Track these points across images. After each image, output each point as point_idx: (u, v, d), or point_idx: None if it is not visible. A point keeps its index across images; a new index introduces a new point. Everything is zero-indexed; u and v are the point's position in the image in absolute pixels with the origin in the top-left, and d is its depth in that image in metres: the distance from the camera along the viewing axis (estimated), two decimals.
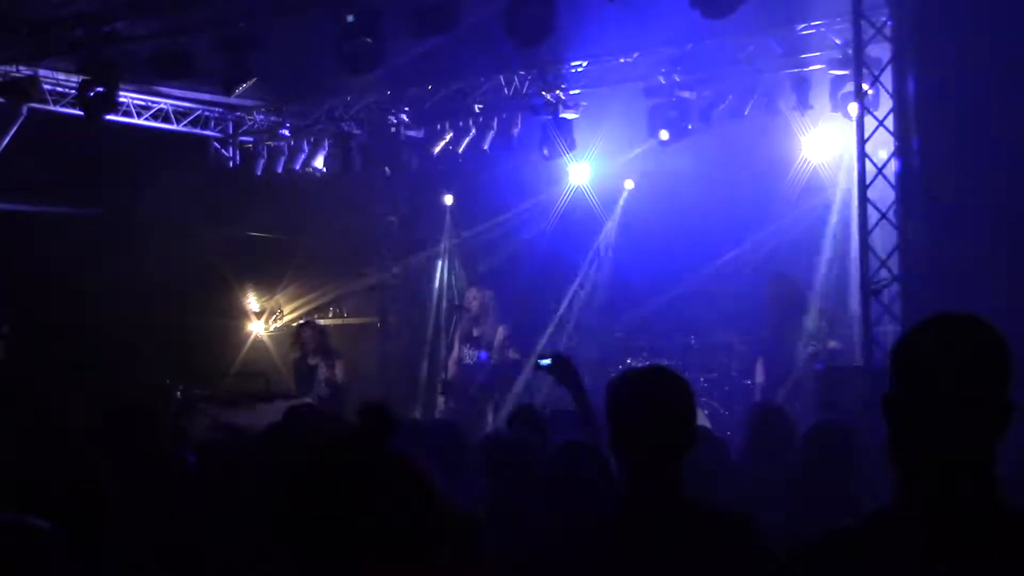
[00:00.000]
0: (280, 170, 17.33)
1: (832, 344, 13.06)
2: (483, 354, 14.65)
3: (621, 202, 17.01)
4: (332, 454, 2.55)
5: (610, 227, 17.13)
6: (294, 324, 16.78)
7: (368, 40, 12.50)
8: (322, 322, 16.53)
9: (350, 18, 12.48)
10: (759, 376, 13.81)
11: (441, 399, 14.89)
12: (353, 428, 2.60)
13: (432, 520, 2.54)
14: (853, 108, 11.29)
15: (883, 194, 10.65)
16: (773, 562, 3.92)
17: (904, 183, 10.38)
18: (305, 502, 2.50)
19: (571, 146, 15.53)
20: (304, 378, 15.02)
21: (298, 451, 2.67)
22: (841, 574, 3.04)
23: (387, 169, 17.16)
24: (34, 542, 3.37)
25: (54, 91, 14.85)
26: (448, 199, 18.13)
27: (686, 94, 14.57)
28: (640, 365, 14.21)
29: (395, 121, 16.86)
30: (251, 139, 17.65)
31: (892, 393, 3.03)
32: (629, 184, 16.87)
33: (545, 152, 15.77)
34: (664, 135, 14.72)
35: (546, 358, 7.62)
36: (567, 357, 7.54)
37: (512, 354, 14.80)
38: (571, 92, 15.45)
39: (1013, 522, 2.94)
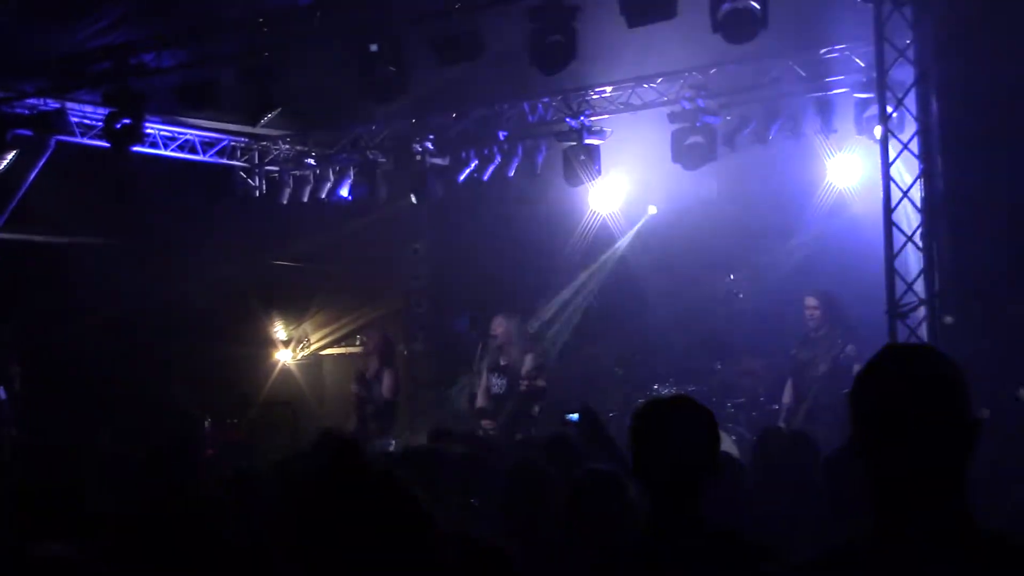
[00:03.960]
0: (306, 199, 17.38)
1: (849, 348, 13.05)
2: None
3: (638, 227, 16.97)
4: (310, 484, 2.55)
5: (620, 251, 17.12)
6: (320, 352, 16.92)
7: (392, 69, 12.55)
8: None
9: (374, 47, 12.54)
10: (787, 397, 13.81)
11: (486, 423, 14.79)
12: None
13: (425, 546, 2.53)
14: (877, 131, 11.24)
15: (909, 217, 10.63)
16: None
17: (929, 206, 10.35)
18: (297, 535, 2.51)
19: (596, 172, 15.53)
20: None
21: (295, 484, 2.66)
22: None
23: (413, 197, 17.16)
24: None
25: (81, 123, 14.95)
26: None
27: (710, 119, 14.55)
28: (666, 392, 14.22)
29: (420, 149, 16.88)
30: (277, 168, 17.71)
31: (857, 434, 3.11)
32: (652, 210, 16.85)
33: (569, 178, 15.79)
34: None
35: (573, 412, 7.67)
36: (591, 409, 7.57)
37: (540, 383, 14.71)
38: (595, 118, 15.48)
39: (986, 547, 2.97)
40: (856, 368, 12.76)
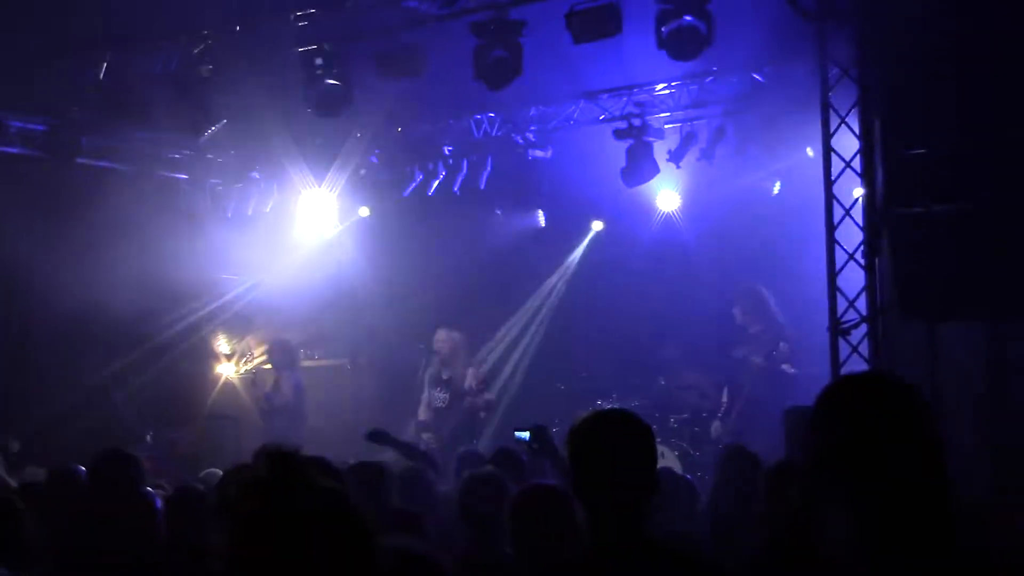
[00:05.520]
0: (250, 213, 17.31)
1: (782, 345, 13.27)
2: None
3: (586, 242, 17.06)
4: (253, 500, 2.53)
5: (570, 266, 17.19)
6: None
7: (336, 83, 12.54)
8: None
9: (318, 61, 12.52)
10: (724, 397, 14.01)
11: (426, 436, 14.76)
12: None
13: (371, 560, 2.52)
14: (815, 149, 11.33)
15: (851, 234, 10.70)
16: None
17: (871, 224, 10.42)
18: (236, 547, 2.49)
19: (541, 187, 15.59)
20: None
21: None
22: None
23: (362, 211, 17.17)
24: None
25: (22, 132, 14.77)
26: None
27: (655, 136, 14.61)
28: (607, 407, 14.25)
29: (365, 163, 16.85)
30: (220, 182, 17.61)
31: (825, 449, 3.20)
32: (597, 225, 16.92)
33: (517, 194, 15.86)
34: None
35: (524, 430, 7.69)
36: (544, 427, 7.59)
37: (488, 396, 14.72)
38: (540, 133, 15.52)
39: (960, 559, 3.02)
40: (786, 368, 13.08)
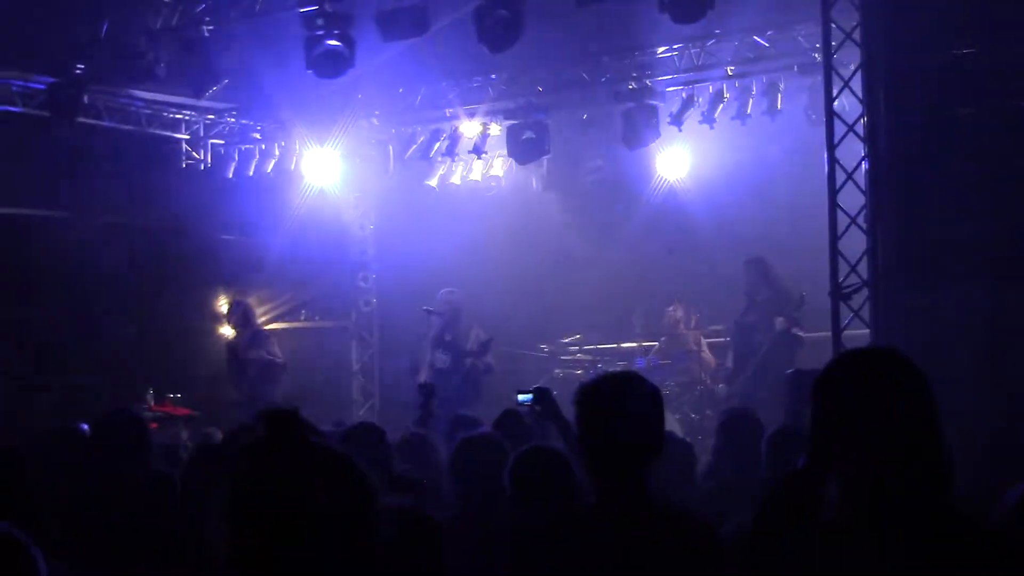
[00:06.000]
0: (251, 173, 17.27)
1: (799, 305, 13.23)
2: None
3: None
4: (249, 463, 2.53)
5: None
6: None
7: (337, 44, 12.49)
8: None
9: (319, 22, 12.47)
10: (729, 362, 13.97)
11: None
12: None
13: (372, 521, 2.52)
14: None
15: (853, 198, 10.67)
16: (732, 563, 4.01)
17: (874, 188, 10.40)
18: (240, 519, 2.48)
19: (544, 151, 15.51)
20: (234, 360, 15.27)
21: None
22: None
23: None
24: (21, 552, 3.32)
25: (23, 92, 14.75)
26: None
27: (654, 102, 14.56)
28: (612, 370, 14.21)
29: (365, 124, 16.82)
30: (223, 141, 17.56)
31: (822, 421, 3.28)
32: None
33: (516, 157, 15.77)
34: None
35: (526, 392, 7.66)
36: (547, 390, 7.57)
37: (488, 359, 14.63)
38: (542, 94, 15.48)
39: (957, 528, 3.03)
40: (797, 332, 13.01)
